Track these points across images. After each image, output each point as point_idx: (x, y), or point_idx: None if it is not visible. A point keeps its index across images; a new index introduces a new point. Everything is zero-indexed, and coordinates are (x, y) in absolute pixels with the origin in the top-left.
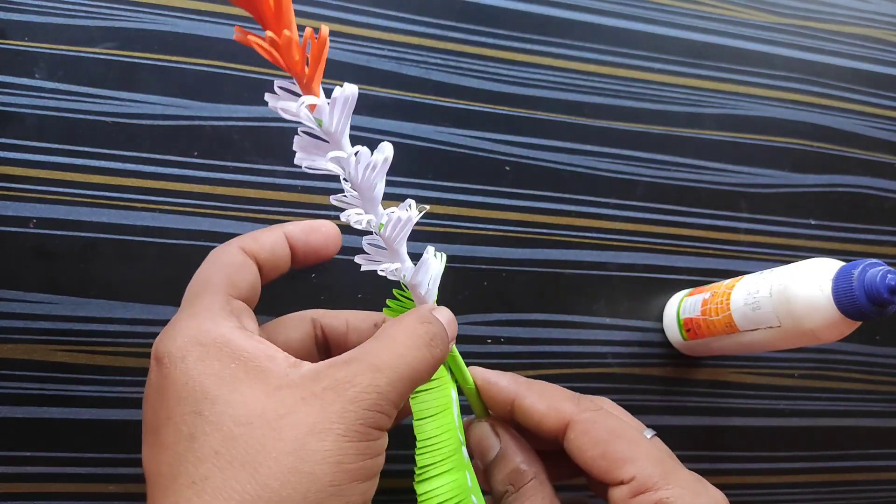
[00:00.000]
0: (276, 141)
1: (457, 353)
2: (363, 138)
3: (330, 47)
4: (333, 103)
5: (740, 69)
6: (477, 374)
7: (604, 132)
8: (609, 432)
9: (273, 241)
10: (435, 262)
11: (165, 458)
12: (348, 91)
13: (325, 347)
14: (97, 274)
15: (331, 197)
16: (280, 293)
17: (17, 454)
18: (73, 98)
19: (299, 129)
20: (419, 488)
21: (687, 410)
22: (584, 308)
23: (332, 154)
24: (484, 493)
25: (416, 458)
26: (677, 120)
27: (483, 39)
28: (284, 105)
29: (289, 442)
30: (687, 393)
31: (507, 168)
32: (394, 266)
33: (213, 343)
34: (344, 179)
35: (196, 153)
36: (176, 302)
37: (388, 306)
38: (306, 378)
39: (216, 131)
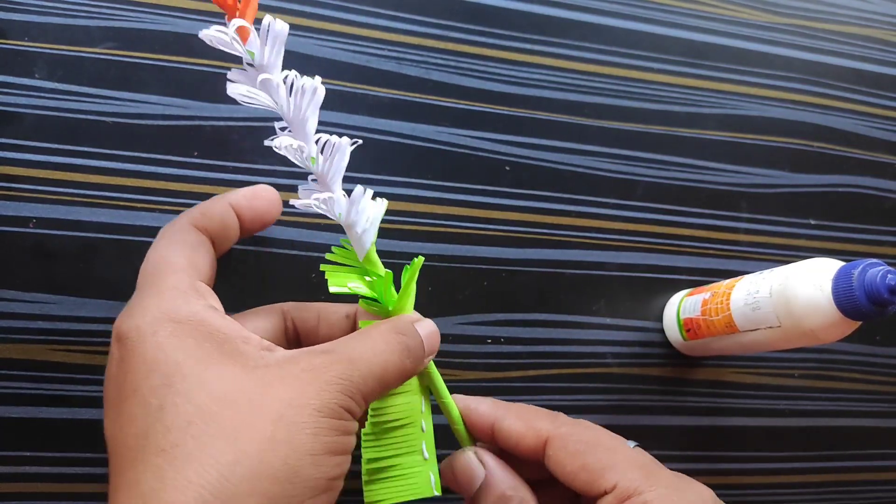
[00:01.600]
0: None
1: (434, 371)
2: (363, 138)
3: (330, 47)
4: (263, 33)
5: (740, 69)
6: (458, 402)
7: (604, 132)
8: (586, 443)
9: (222, 212)
10: (371, 203)
11: (132, 431)
12: (278, 25)
13: (295, 339)
14: (97, 274)
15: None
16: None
17: (16, 454)
18: (73, 98)
19: (233, 68)
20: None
21: (687, 410)
22: (584, 308)
23: (262, 77)
24: None
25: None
26: (677, 120)
27: (483, 39)
28: (216, 35)
29: (268, 413)
30: (687, 393)
31: (507, 168)
32: (325, 195)
33: (186, 320)
34: (280, 129)
35: (196, 153)
36: None
37: (332, 252)
38: (283, 361)
39: (216, 131)
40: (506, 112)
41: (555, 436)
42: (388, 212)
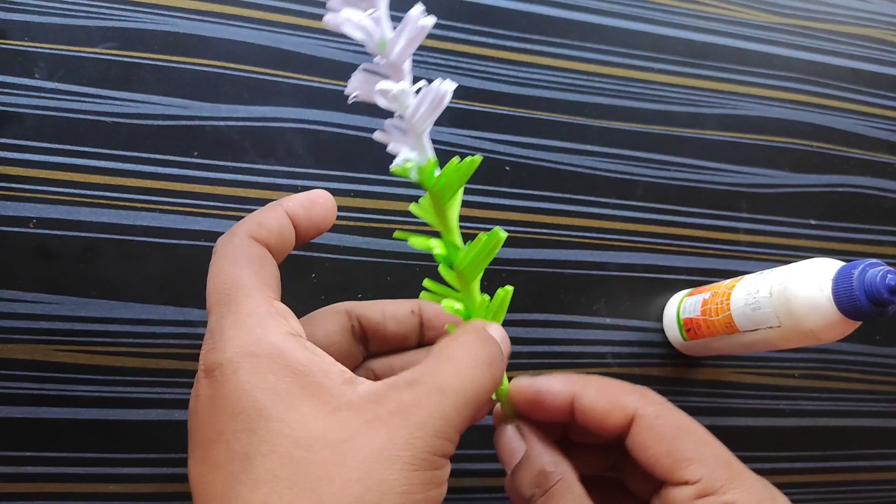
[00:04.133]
0: (276, 141)
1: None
2: (363, 139)
3: (330, 47)
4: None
5: (740, 69)
6: (524, 386)
7: (604, 132)
8: (676, 429)
9: (279, 223)
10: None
11: (218, 478)
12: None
13: (362, 337)
14: (97, 274)
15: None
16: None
17: (17, 454)
18: (73, 98)
19: (362, 66)
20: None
21: (687, 410)
22: (584, 308)
23: (397, 88)
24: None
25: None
26: (677, 120)
27: (483, 39)
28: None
29: (354, 469)
30: (687, 393)
31: (507, 168)
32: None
33: (265, 354)
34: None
35: (196, 153)
36: (176, 301)
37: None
38: (368, 399)
39: (216, 131)
40: (506, 112)
41: (643, 415)
42: (388, 212)
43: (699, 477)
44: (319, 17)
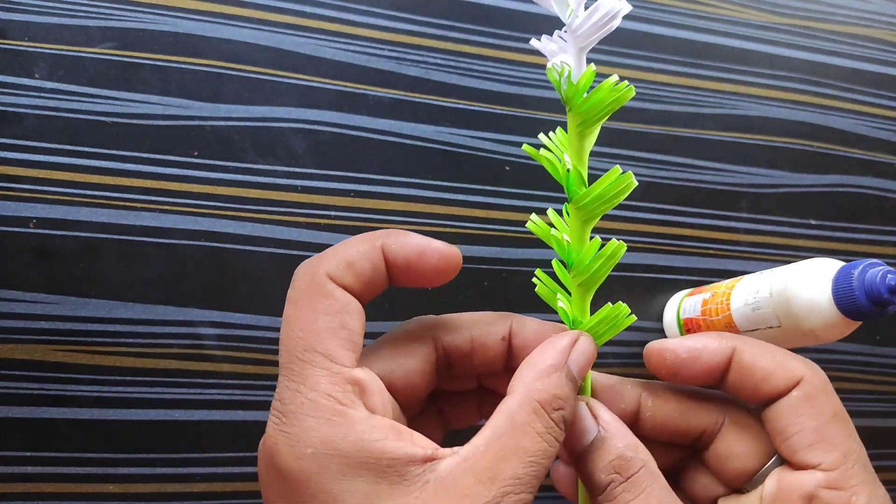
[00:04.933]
0: (276, 141)
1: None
2: (363, 138)
3: (330, 47)
4: None
5: (740, 69)
6: (671, 347)
7: (604, 132)
8: (833, 412)
9: (371, 269)
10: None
11: None
12: None
13: (446, 368)
14: (97, 274)
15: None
16: None
17: (17, 454)
18: (73, 98)
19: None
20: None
21: None
22: None
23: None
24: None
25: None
26: (677, 120)
27: (483, 39)
28: None
29: None
30: None
31: (507, 168)
32: None
33: (353, 454)
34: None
35: (196, 153)
36: (176, 301)
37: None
38: (439, 487)
39: (216, 131)
40: (506, 112)
41: (810, 382)
42: (388, 212)
43: (836, 466)
44: (319, 18)
